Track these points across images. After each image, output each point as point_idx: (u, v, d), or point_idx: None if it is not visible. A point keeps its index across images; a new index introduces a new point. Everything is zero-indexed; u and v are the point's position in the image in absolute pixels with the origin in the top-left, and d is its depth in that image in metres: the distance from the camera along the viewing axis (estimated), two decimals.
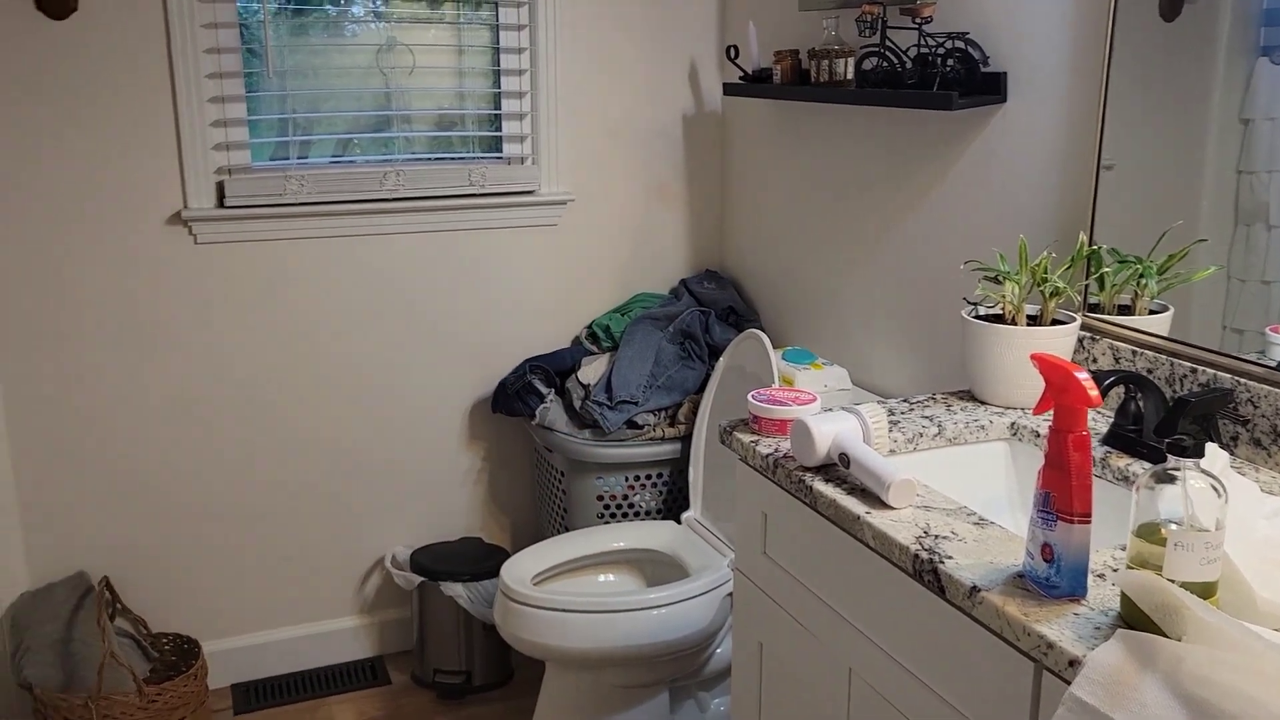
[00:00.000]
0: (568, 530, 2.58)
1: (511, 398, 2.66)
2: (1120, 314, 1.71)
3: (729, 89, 2.54)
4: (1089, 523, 1.09)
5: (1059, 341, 1.66)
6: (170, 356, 2.49)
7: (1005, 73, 1.89)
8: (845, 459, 1.43)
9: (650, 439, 2.53)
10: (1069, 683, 1.01)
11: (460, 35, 2.66)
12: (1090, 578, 1.14)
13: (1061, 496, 1.09)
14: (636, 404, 2.50)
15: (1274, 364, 1.46)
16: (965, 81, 1.90)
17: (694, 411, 2.55)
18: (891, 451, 1.58)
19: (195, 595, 2.62)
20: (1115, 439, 1.53)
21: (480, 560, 2.62)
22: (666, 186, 2.84)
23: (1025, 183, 1.88)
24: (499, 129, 2.72)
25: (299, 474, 2.65)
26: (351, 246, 2.58)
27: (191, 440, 2.54)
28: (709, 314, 2.69)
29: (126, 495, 2.52)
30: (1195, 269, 1.58)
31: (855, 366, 2.39)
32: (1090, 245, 1.73)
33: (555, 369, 2.67)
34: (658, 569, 2.41)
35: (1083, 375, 1.10)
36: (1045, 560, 1.11)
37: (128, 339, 2.45)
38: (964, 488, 1.61)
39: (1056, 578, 1.11)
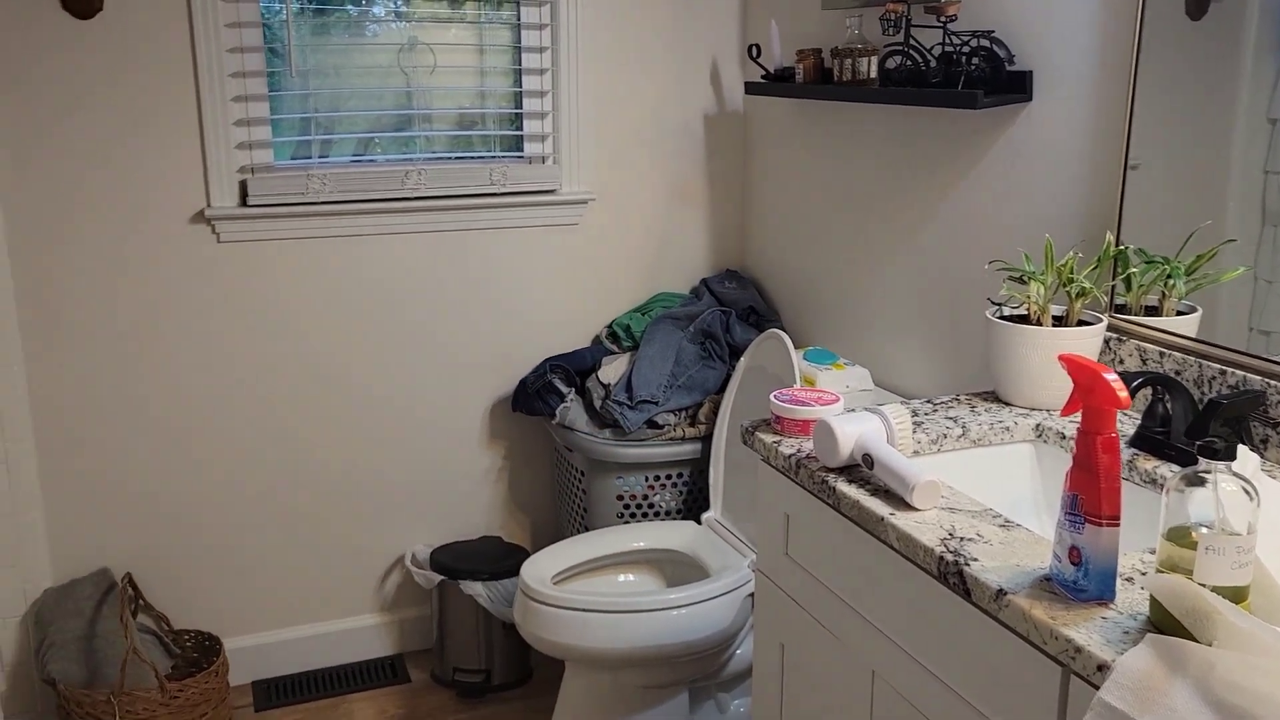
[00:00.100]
0: (587, 530, 2.58)
1: (532, 397, 2.66)
2: (1147, 315, 1.69)
3: (751, 88, 2.53)
4: (1118, 525, 1.08)
5: (1085, 342, 1.64)
6: (192, 355, 2.50)
7: (1030, 71, 1.87)
8: (869, 460, 1.42)
9: (670, 439, 2.52)
10: (1097, 687, 1.00)
11: (481, 34, 2.67)
12: (1118, 581, 1.13)
13: (1090, 499, 1.08)
14: (657, 403, 2.50)
15: None
16: (990, 80, 1.88)
17: (714, 411, 2.54)
18: (915, 453, 1.57)
19: (217, 592, 2.63)
20: (1142, 441, 1.51)
21: (500, 559, 2.62)
22: (688, 186, 2.83)
23: (1051, 182, 1.87)
24: (520, 128, 2.72)
25: (320, 472, 2.66)
26: (372, 245, 2.59)
27: (213, 438, 2.55)
28: (730, 314, 2.68)
29: (149, 493, 2.53)
30: (1223, 270, 1.56)
31: (877, 367, 2.38)
32: (1117, 245, 1.71)
33: (575, 368, 2.67)
34: (678, 569, 2.41)
35: (1111, 376, 1.09)
36: (1073, 563, 1.10)
37: (151, 338, 2.46)
38: (988, 490, 1.60)
39: (1084, 581, 1.09)
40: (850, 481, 1.43)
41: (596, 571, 2.39)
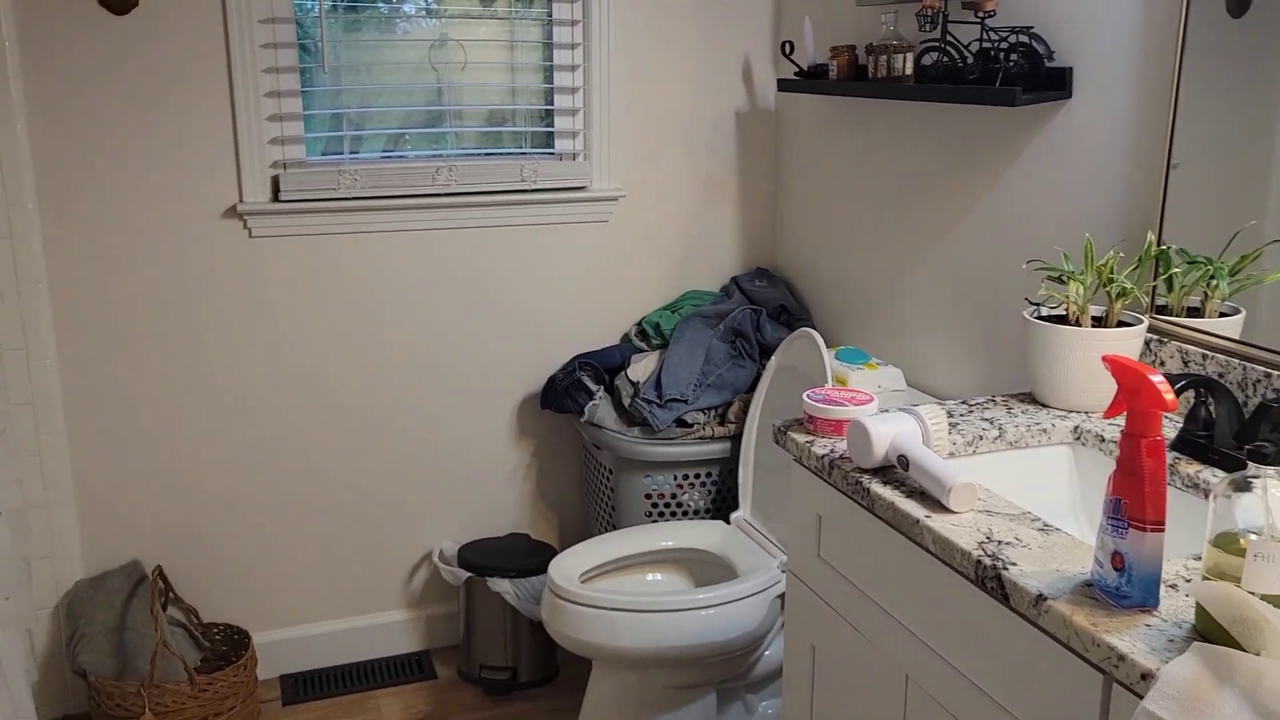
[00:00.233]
0: (615, 528, 2.57)
1: (560, 394, 2.65)
2: (1189, 316, 1.66)
3: (784, 85, 2.51)
4: (1162, 531, 1.06)
5: (1126, 344, 1.61)
6: (224, 349, 2.51)
7: (1070, 68, 1.84)
8: (904, 461, 1.40)
9: (700, 438, 2.51)
10: (1140, 696, 0.98)
11: (513, 30, 2.66)
12: (1162, 588, 1.11)
13: (1134, 503, 1.06)
14: (686, 402, 2.49)
15: None
16: (1029, 77, 1.86)
17: (744, 410, 2.53)
18: (950, 454, 1.55)
19: (246, 586, 2.64)
20: (1184, 445, 1.48)
21: (528, 557, 2.62)
22: (720, 183, 2.81)
23: (1090, 181, 1.84)
24: (551, 124, 2.71)
25: (349, 468, 2.67)
26: (403, 241, 2.59)
27: (244, 433, 2.57)
28: (760, 312, 2.66)
29: (180, 486, 2.54)
30: (1268, 271, 1.53)
31: (910, 367, 2.35)
32: (1159, 245, 1.68)
33: (604, 366, 2.66)
34: (706, 569, 2.39)
35: (1158, 378, 1.07)
36: (1115, 569, 1.08)
37: (183, 332, 2.47)
38: (1025, 492, 1.57)
39: (1127, 587, 1.07)
40: (885, 483, 1.41)
41: (624, 570, 2.38)
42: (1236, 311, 1.59)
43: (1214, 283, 1.61)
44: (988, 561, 1.20)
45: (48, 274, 2.35)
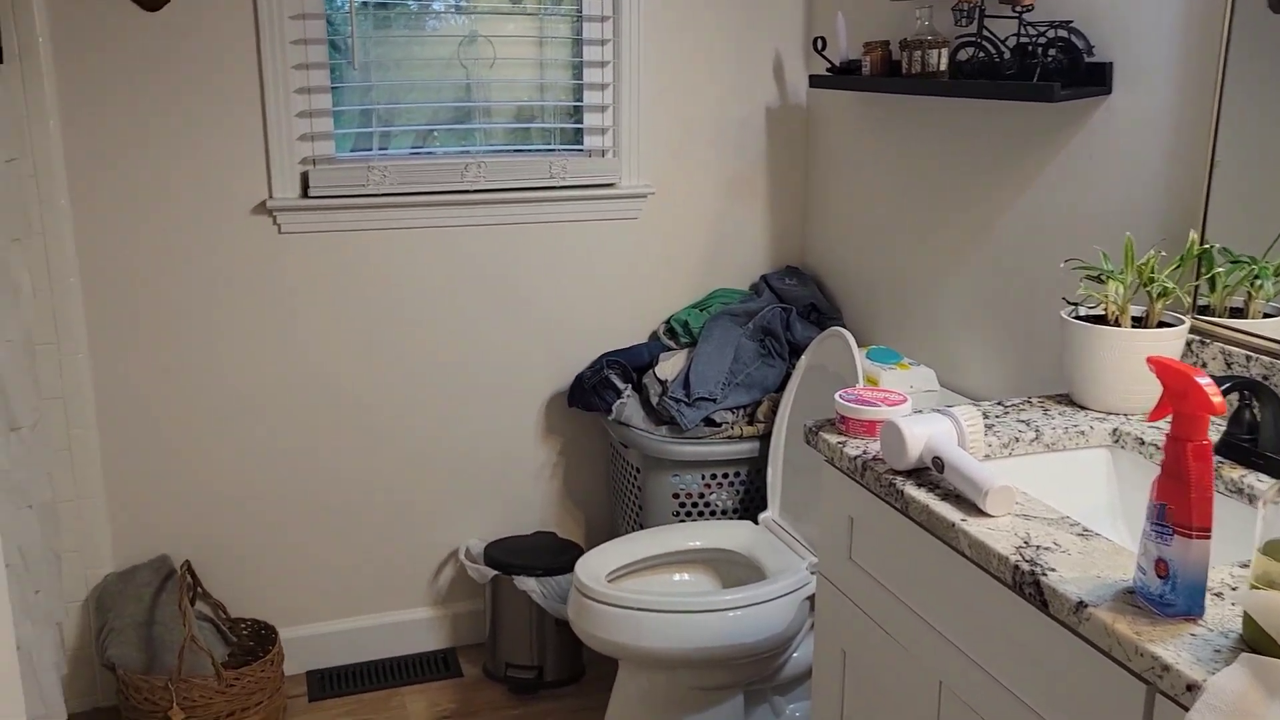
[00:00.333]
0: (642, 528, 2.55)
1: (588, 392, 2.64)
2: (1232, 316, 1.62)
3: (815, 81, 2.48)
4: (1209, 538, 1.03)
5: (1166, 344, 1.58)
6: (253, 346, 2.51)
7: (1110, 63, 1.81)
8: (939, 463, 1.37)
9: (728, 437, 2.48)
10: (1186, 708, 0.95)
11: (542, 26, 2.65)
12: (1207, 596, 1.07)
13: (1180, 509, 1.03)
14: (714, 401, 2.46)
15: None
16: (1068, 72, 1.82)
17: (773, 410, 2.50)
18: (986, 456, 1.52)
19: (273, 582, 2.65)
20: (1228, 449, 1.45)
21: (554, 555, 2.60)
22: (750, 180, 2.79)
23: (1130, 178, 1.80)
24: (580, 121, 2.69)
25: (376, 464, 2.67)
26: (431, 238, 2.58)
27: (273, 429, 2.57)
28: (790, 311, 2.63)
29: (210, 481, 2.55)
30: None
31: (942, 367, 2.32)
32: (1201, 244, 1.64)
33: (632, 364, 2.64)
34: (734, 570, 2.37)
35: (1205, 380, 1.04)
36: (1159, 576, 1.05)
37: (212, 328, 2.48)
38: (1062, 496, 1.54)
39: (1171, 595, 1.04)
40: (919, 485, 1.39)
41: (651, 570, 2.36)
42: None
43: (1258, 283, 1.57)
44: (1025, 567, 1.17)
45: (79, 270, 2.36)
